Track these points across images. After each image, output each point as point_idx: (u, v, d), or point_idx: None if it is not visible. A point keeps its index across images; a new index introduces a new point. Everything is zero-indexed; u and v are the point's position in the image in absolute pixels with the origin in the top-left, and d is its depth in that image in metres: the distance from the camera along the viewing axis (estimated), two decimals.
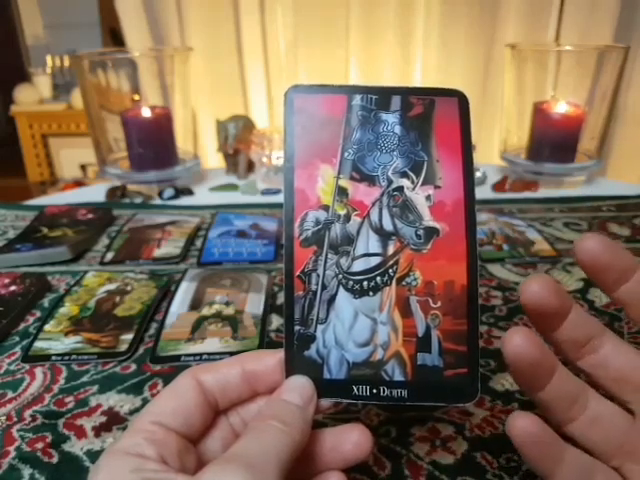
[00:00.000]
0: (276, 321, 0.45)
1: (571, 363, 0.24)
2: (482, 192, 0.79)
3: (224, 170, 0.89)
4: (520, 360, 0.22)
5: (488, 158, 1.12)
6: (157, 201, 0.77)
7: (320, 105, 0.26)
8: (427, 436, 0.33)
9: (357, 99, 0.26)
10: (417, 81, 1.17)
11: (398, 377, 0.25)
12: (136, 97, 0.81)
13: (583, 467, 0.23)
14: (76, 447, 0.32)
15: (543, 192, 0.78)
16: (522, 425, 0.22)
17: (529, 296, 0.22)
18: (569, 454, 0.23)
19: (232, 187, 0.82)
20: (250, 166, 0.86)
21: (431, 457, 0.31)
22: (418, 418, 0.34)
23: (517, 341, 0.22)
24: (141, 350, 0.42)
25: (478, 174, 0.82)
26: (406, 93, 0.26)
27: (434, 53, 1.15)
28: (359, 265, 0.25)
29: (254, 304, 0.46)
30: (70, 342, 0.42)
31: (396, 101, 0.26)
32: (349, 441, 0.24)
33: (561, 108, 0.79)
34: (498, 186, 0.80)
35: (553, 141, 0.79)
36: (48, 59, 2.59)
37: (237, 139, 0.84)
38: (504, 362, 0.23)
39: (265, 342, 0.42)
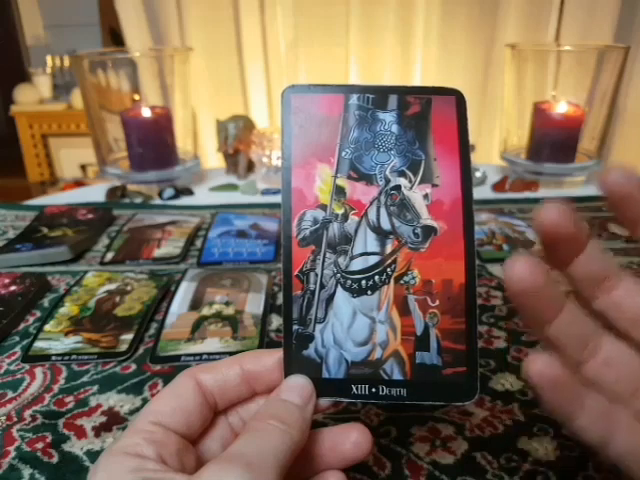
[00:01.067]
0: (276, 321, 0.45)
1: (586, 303, 0.23)
2: (482, 192, 0.79)
3: (224, 170, 0.89)
4: (523, 287, 0.21)
5: (488, 158, 1.12)
6: (157, 201, 0.77)
7: (317, 105, 0.26)
8: (427, 436, 0.33)
9: (354, 98, 0.26)
10: (417, 81, 1.17)
11: (397, 376, 0.25)
12: (136, 97, 0.81)
13: (604, 411, 0.22)
14: (76, 447, 0.32)
15: (543, 192, 0.78)
16: (540, 367, 0.21)
17: (546, 219, 0.21)
18: (590, 399, 0.22)
19: (232, 187, 0.82)
20: (250, 166, 0.86)
21: (431, 457, 0.31)
22: (418, 418, 0.34)
23: (519, 267, 0.21)
24: (141, 350, 0.42)
25: (478, 174, 0.82)
26: (403, 92, 0.26)
27: (434, 53, 1.15)
28: (357, 264, 0.25)
29: (254, 304, 0.46)
30: (70, 342, 0.42)
31: (393, 100, 0.26)
32: (348, 441, 0.24)
33: (561, 108, 0.78)
34: (498, 186, 0.80)
35: (553, 141, 0.79)
36: (48, 59, 2.59)
37: (237, 139, 0.84)
38: (511, 299, 0.22)
39: (265, 342, 0.42)
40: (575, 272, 0.23)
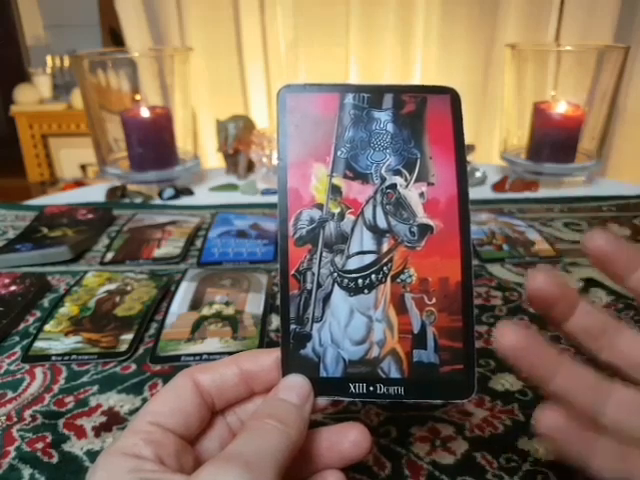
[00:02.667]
0: (276, 321, 0.45)
1: (592, 356, 0.24)
2: (482, 192, 0.79)
3: (224, 170, 0.89)
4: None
5: (488, 158, 1.12)
6: (157, 201, 0.77)
7: (313, 104, 0.26)
8: (427, 436, 0.33)
9: (349, 98, 0.26)
10: (417, 81, 1.17)
11: (394, 374, 0.25)
12: (137, 97, 0.81)
13: (620, 453, 0.23)
14: (76, 447, 0.32)
15: (543, 192, 0.78)
16: (549, 422, 0.23)
17: (532, 287, 0.23)
18: (603, 443, 0.23)
19: (232, 187, 0.82)
20: (250, 166, 0.87)
21: (431, 457, 0.31)
22: (418, 418, 0.34)
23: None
24: (141, 350, 0.42)
25: (478, 174, 0.82)
26: (398, 91, 0.26)
27: (434, 53, 1.15)
28: (354, 263, 0.25)
29: (254, 304, 0.46)
30: (70, 342, 0.42)
31: (388, 99, 0.26)
32: (347, 440, 0.24)
33: (561, 108, 0.78)
34: (498, 186, 0.80)
35: (553, 141, 0.79)
36: (48, 59, 2.59)
37: (237, 139, 0.84)
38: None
39: (265, 342, 0.42)
40: (572, 329, 0.24)
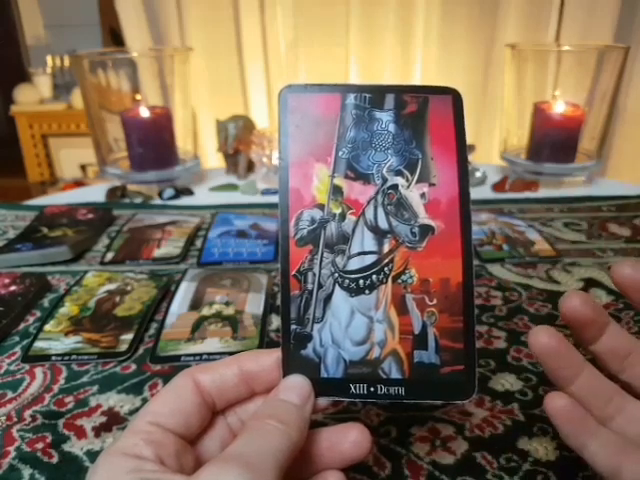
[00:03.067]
0: (276, 321, 0.45)
1: (614, 376, 0.26)
2: (482, 192, 0.79)
3: (224, 170, 0.89)
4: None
5: (488, 158, 1.12)
6: (157, 201, 0.77)
7: (314, 104, 0.26)
8: (427, 436, 0.33)
9: (351, 98, 0.26)
10: (417, 81, 1.17)
11: (395, 375, 0.25)
12: (137, 97, 0.81)
13: (616, 442, 0.24)
14: (76, 447, 0.32)
15: (543, 192, 0.78)
16: (557, 404, 0.25)
17: (568, 307, 0.25)
18: (601, 432, 0.24)
19: (232, 187, 0.82)
20: (250, 166, 0.87)
21: (431, 457, 0.31)
22: (418, 418, 0.34)
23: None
24: (141, 350, 0.42)
25: (478, 174, 0.82)
26: (400, 91, 0.26)
27: (434, 53, 1.15)
28: (355, 263, 0.25)
29: (254, 304, 0.46)
30: (70, 342, 0.42)
31: (390, 99, 0.26)
32: (347, 440, 0.24)
33: (561, 108, 0.78)
34: (498, 186, 0.80)
35: (553, 141, 0.79)
36: (48, 59, 2.59)
37: (237, 139, 0.84)
38: (531, 351, 0.25)
39: (265, 342, 0.42)
40: (599, 349, 0.26)
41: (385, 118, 0.26)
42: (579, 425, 0.24)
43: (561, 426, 0.25)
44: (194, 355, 0.40)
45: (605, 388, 0.26)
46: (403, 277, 0.25)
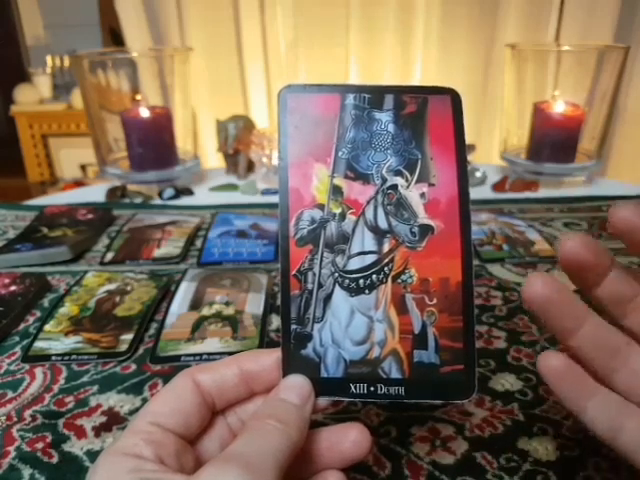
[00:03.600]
0: (276, 321, 0.45)
1: (616, 321, 0.24)
2: (482, 192, 0.79)
3: (224, 170, 0.89)
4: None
5: (488, 158, 1.12)
6: (157, 201, 0.77)
7: (314, 105, 0.26)
8: (427, 436, 0.33)
9: (350, 98, 0.26)
10: (417, 81, 1.17)
11: (395, 375, 0.25)
12: (137, 97, 0.81)
13: (615, 403, 0.23)
14: (76, 447, 0.32)
15: (543, 192, 0.78)
16: (550, 362, 0.23)
17: (567, 251, 0.23)
18: (601, 392, 0.23)
19: (232, 187, 0.82)
20: (250, 166, 0.87)
21: (431, 457, 0.31)
22: (418, 418, 0.34)
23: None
24: (141, 350, 0.42)
25: (478, 174, 0.82)
26: (399, 92, 0.26)
27: (434, 53, 1.15)
28: (355, 263, 0.25)
29: (254, 304, 0.46)
30: (70, 342, 0.42)
31: (389, 100, 0.26)
32: (347, 440, 0.24)
33: (561, 108, 0.78)
34: (498, 186, 0.80)
35: (553, 141, 0.79)
36: (48, 59, 2.59)
37: (237, 139, 0.84)
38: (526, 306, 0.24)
39: (265, 342, 0.42)
40: (601, 294, 0.24)
41: (384, 118, 0.26)
42: (576, 385, 0.23)
43: (557, 387, 0.23)
44: (194, 355, 0.40)
45: (611, 339, 0.24)
46: (403, 277, 0.25)
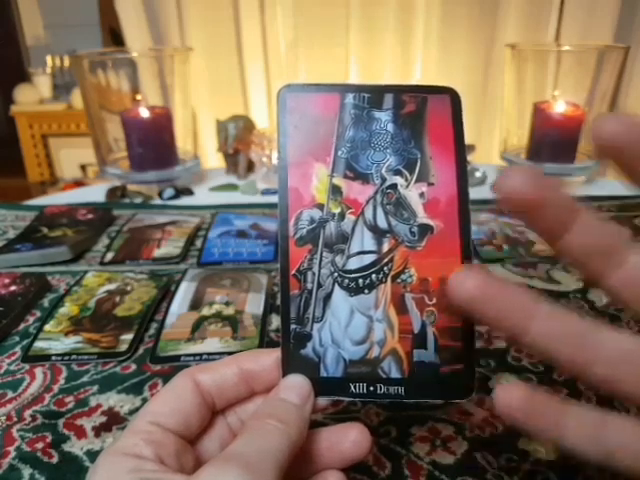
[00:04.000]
0: (276, 321, 0.45)
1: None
2: (482, 192, 0.79)
3: (224, 170, 0.89)
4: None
5: (488, 158, 1.12)
6: (157, 201, 0.77)
7: (313, 104, 0.26)
8: (427, 436, 0.33)
9: (350, 98, 0.26)
10: (417, 81, 1.17)
11: (395, 374, 0.25)
12: (137, 97, 0.81)
13: (593, 422, 0.20)
14: (76, 447, 0.32)
15: None
16: (508, 398, 0.20)
17: (506, 187, 0.19)
18: (573, 414, 0.20)
19: (232, 187, 0.82)
20: (250, 166, 0.87)
21: (431, 457, 0.31)
22: (418, 418, 0.34)
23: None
24: (141, 350, 0.42)
25: (478, 174, 0.82)
26: (398, 91, 0.26)
27: (434, 53, 1.15)
28: (354, 263, 0.25)
29: (254, 304, 0.46)
30: (70, 342, 0.42)
31: (388, 99, 0.26)
32: (347, 440, 0.24)
33: (561, 108, 0.78)
34: None
35: (553, 141, 0.79)
36: (48, 59, 2.59)
37: (237, 139, 0.84)
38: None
39: (265, 342, 0.42)
40: (570, 247, 0.20)
41: (384, 118, 0.26)
42: (546, 418, 0.20)
43: (528, 421, 0.20)
44: (194, 355, 0.40)
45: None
46: (402, 276, 0.25)
